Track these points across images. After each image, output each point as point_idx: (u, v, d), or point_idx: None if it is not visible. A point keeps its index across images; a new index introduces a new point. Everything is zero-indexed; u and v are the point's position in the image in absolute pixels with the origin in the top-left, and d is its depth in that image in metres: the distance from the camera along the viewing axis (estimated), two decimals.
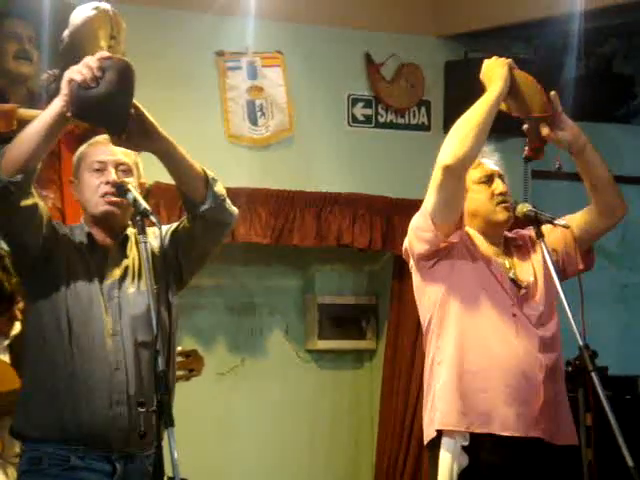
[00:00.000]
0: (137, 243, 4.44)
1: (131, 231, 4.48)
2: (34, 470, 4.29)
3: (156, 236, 4.37)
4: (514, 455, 4.57)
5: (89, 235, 4.39)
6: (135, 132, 4.23)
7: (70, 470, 4.25)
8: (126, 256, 4.43)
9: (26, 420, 4.37)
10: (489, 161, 4.86)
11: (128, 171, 4.40)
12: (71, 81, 4.06)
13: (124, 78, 4.12)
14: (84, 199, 4.44)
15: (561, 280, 4.65)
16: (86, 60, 4.07)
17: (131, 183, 4.38)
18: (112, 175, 4.36)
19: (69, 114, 4.13)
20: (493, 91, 4.66)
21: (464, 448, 4.56)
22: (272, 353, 7.24)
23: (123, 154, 4.44)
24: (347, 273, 7.40)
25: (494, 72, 4.72)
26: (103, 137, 4.47)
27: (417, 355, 7.00)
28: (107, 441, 4.26)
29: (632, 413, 5.27)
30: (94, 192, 4.37)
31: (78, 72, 4.03)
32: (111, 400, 4.26)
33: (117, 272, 4.39)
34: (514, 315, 4.65)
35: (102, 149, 4.46)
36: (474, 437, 4.56)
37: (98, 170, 4.39)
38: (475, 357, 4.63)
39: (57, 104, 4.10)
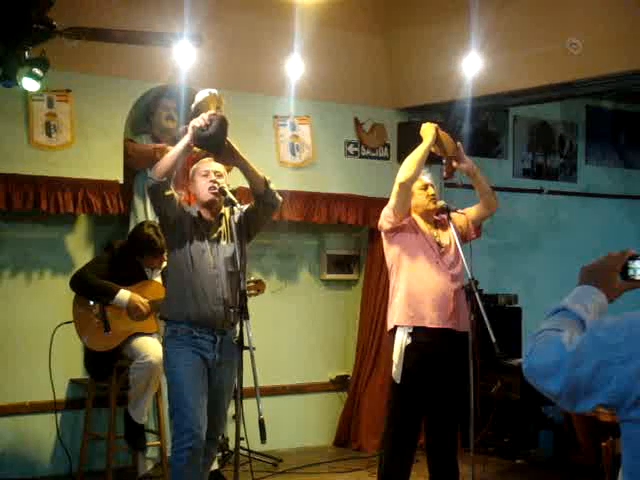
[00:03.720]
0: (226, 218, 4.63)
1: (224, 211, 4.65)
2: (173, 337, 4.55)
3: (238, 214, 4.60)
4: (436, 337, 4.77)
5: (199, 213, 4.60)
6: (227, 154, 4.54)
7: (193, 338, 4.53)
8: (220, 225, 4.61)
9: (167, 311, 4.62)
10: (426, 177, 4.97)
11: (221, 175, 4.61)
12: (193, 127, 4.39)
13: (222, 125, 4.43)
14: (197, 192, 4.64)
15: (463, 243, 4.92)
16: (202, 115, 4.42)
17: (226, 186, 4.58)
18: (212, 176, 4.56)
19: (192, 144, 4.43)
20: (425, 142, 4.87)
21: (409, 333, 4.77)
22: (302, 281, 7.23)
23: (218, 166, 4.64)
24: (343, 237, 7.40)
25: (427, 131, 4.92)
26: (207, 159, 4.70)
27: (380, 283, 7.04)
28: (212, 324, 4.53)
29: (495, 314, 5.53)
30: (203, 187, 4.58)
31: (197, 121, 4.40)
32: (214, 302, 4.51)
33: (215, 234, 4.59)
34: (437, 262, 4.84)
35: (206, 164, 4.67)
36: (415, 328, 4.77)
37: (205, 175, 4.60)
38: (415, 285, 4.81)
39: (186, 139, 4.43)
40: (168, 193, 4.49)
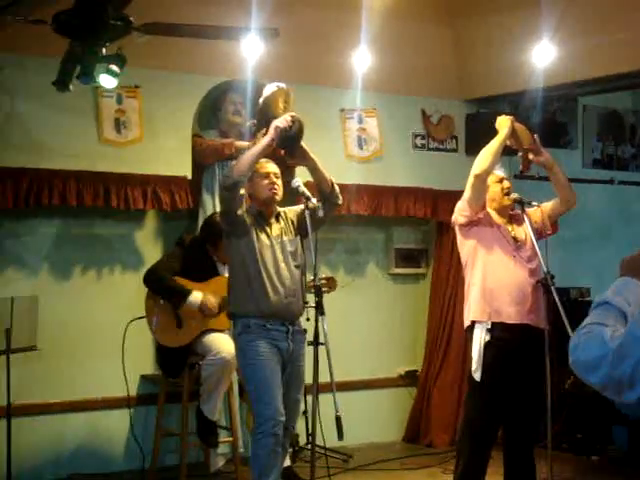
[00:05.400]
0: (282, 216, 4.74)
1: (280, 210, 4.75)
2: (246, 332, 4.59)
3: (301, 210, 4.68)
4: (515, 333, 4.72)
5: (259, 211, 4.67)
6: (300, 155, 4.63)
7: (266, 330, 4.57)
8: (279, 222, 4.71)
9: (238, 307, 4.65)
10: (500, 171, 4.95)
11: (279, 177, 4.71)
12: (277, 127, 4.46)
13: (301, 126, 4.51)
14: (257, 191, 4.70)
15: (539, 239, 4.86)
16: (285, 116, 4.49)
17: (300, 181, 4.69)
18: (273, 178, 4.67)
19: (274, 144, 4.50)
20: (501, 134, 4.83)
21: (487, 330, 4.71)
22: (370, 275, 7.21)
23: (275, 168, 4.74)
24: (411, 231, 7.37)
25: (503, 124, 4.87)
26: (264, 160, 4.69)
27: (450, 278, 7.07)
28: (284, 316, 4.61)
29: (566, 308, 5.51)
30: (264, 187, 4.66)
31: (281, 122, 4.47)
32: (287, 295, 4.59)
33: (277, 231, 4.67)
34: (514, 256, 4.80)
35: (265, 165, 4.72)
36: (493, 324, 4.70)
37: (265, 177, 4.68)
38: (492, 280, 4.77)
39: (267, 139, 4.50)
40: (242, 192, 4.58)
